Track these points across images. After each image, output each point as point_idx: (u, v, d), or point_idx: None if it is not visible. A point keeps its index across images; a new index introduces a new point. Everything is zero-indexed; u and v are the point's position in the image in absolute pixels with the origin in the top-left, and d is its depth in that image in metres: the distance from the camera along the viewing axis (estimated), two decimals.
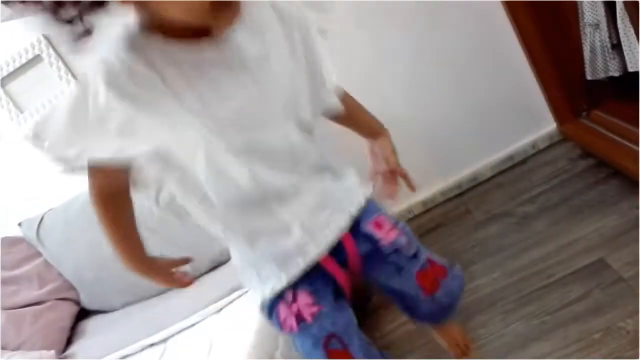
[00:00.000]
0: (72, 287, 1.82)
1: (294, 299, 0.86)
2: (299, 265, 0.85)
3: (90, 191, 0.79)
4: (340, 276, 0.89)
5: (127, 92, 0.65)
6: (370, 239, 0.91)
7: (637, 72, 1.56)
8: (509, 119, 2.07)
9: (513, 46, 1.92)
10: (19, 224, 1.83)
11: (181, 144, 0.73)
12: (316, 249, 0.86)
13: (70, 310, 1.81)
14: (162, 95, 0.67)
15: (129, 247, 0.87)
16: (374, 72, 1.97)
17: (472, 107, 2.05)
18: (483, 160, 2.13)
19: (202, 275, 1.67)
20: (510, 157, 2.11)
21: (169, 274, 0.90)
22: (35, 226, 1.78)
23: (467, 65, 1.99)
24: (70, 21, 0.64)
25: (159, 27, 0.67)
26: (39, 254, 1.81)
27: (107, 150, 0.70)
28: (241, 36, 0.71)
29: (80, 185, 1.73)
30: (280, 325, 0.88)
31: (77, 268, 1.76)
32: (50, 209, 1.79)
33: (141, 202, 1.67)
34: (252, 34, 0.72)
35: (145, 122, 0.68)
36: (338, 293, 0.90)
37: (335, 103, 0.90)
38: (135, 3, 0.64)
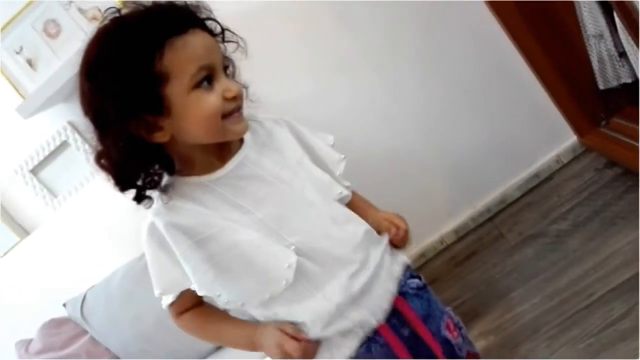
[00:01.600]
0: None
1: None
2: (358, 335, 0.88)
3: (178, 321, 0.91)
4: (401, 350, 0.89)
5: (182, 226, 0.80)
6: (448, 343, 0.95)
7: None
8: (529, 137, 2.06)
9: (520, 65, 1.92)
10: (64, 305, 1.89)
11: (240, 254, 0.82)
12: (374, 319, 0.88)
13: None
14: (208, 217, 0.81)
15: (240, 328, 0.91)
16: (385, 108, 2.00)
17: (489, 131, 2.05)
18: (509, 181, 2.11)
19: None
20: (536, 175, 2.09)
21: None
22: (79, 305, 1.83)
23: (477, 91, 2.00)
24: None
25: (189, 166, 0.84)
26: (85, 332, 1.86)
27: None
28: (252, 148, 0.87)
29: (116, 261, 1.82)
30: None
31: (122, 342, 1.80)
32: (92, 287, 1.84)
33: None
34: (261, 144, 0.88)
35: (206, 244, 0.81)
36: None
37: (347, 188, 0.95)
38: (171, 142, 0.80)
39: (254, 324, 0.90)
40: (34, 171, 1.97)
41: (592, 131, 1.95)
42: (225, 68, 0.83)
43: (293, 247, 0.83)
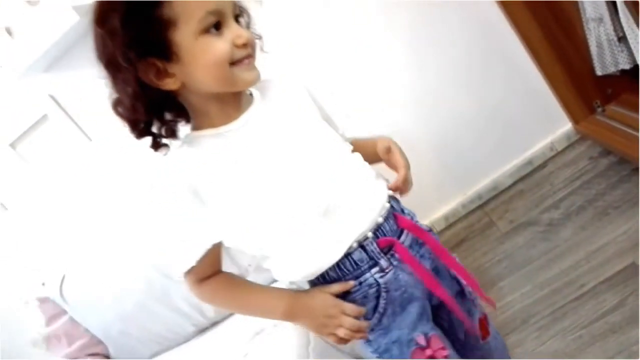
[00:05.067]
0: (100, 342, 1.80)
1: (428, 344, 0.87)
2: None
3: (199, 289, 0.87)
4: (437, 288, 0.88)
5: (206, 172, 0.80)
6: (457, 280, 0.94)
7: None
8: (523, 123, 2.02)
9: (517, 49, 1.87)
10: (43, 284, 1.84)
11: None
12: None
13: None
14: (228, 165, 0.81)
15: (272, 295, 0.89)
16: (377, 92, 1.95)
17: (483, 115, 2.01)
18: (501, 167, 2.08)
19: (225, 319, 1.66)
20: (529, 162, 2.05)
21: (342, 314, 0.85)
22: (59, 284, 1.78)
23: (472, 74, 1.95)
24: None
25: (205, 119, 0.84)
26: (64, 312, 1.81)
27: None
28: (264, 103, 0.87)
29: (96, 240, 1.77)
30: None
31: (102, 323, 1.75)
32: (71, 267, 1.79)
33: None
34: (274, 99, 0.88)
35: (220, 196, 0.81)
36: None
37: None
38: (184, 91, 0.81)
39: (290, 290, 0.88)
40: (13, 145, 1.90)
41: (587, 118, 1.91)
42: (237, 16, 0.82)
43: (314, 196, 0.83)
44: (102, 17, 0.76)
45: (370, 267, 0.85)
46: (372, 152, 0.95)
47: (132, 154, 1.61)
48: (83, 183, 1.84)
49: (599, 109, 1.89)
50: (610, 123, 1.82)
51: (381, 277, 0.85)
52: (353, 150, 0.93)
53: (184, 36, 0.76)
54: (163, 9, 0.74)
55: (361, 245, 0.84)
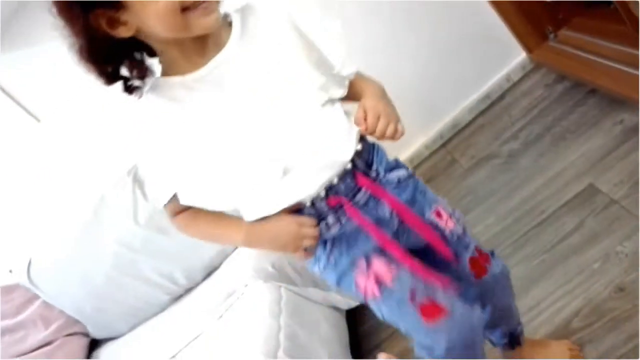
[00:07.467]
0: (77, 321, 1.80)
1: (369, 265, 0.88)
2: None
3: (173, 222, 0.91)
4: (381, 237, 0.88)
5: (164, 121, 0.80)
6: (435, 227, 0.93)
7: None
8: (478, 57, 2.00)
9: None
10: (10, 271, 1.82)
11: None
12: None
13: (80, 343, 1.79)
14: (190, 115, 0.79)
15: (231, 226, 0.90)
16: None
17: (437, 55, 1.99)
18: (460, 104, 2.08)
19: (198, 285, 1.66)
20: (487, 96, 2.05)
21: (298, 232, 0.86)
22: (26, 270, 1.76)
23: (423, 14, 1.92)
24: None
25: (171, 64, 0.80)
26: (36, 296, 1.80)
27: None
28: (239, 43, 0.80)
29: (57, 223, 1.74)
30: (363, 294, 0.90)
31: (75, 302, 1.74)
32: (36, 251, 1.77)
33: (123, 225, 1.66)
34: (251, 36, 0.81)
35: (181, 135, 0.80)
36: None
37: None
38: (143, 36, 0.76)
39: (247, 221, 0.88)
40: None
41: (541, 46, 1.91)
42: None
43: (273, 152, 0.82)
44: None
45: (318, 222, 0.87)
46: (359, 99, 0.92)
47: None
48: (36, 165, 1.79)
49: (552, 35, 1.88)
50: (563, 48, 1.81)
51: (327, 231, 0.87)
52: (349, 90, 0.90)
53: None
54: None
55: (312, 202, 0.85)
